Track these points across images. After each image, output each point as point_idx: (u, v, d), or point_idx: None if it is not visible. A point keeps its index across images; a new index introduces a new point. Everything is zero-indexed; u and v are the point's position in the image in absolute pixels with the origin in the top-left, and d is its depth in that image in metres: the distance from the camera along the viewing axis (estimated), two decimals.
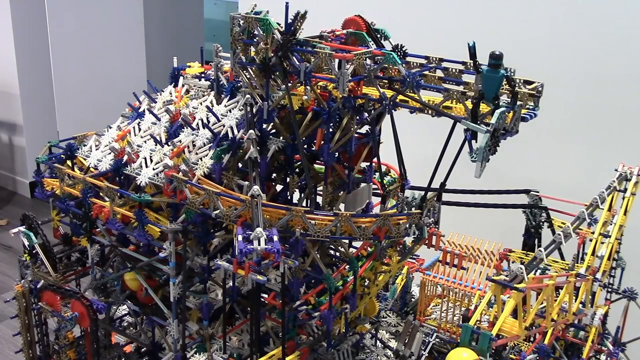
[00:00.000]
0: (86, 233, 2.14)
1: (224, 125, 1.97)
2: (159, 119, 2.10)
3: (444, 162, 1.78)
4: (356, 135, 1.95)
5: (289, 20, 1.73)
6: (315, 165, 2.09)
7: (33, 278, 2.23)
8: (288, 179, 2.01)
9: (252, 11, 1.82)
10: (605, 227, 2.08)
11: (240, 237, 1.65)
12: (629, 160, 2.31)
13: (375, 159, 2.03)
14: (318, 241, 1.87)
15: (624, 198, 2.22)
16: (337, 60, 1.67)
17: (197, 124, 2.01)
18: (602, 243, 2.04)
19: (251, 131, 1.83)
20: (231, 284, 2.04)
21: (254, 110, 1.90)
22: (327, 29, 1.94)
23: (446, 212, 2.01)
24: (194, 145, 1.96)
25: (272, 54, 1.76)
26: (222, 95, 2.08)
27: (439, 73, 1.88)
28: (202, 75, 2.26)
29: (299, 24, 1.74)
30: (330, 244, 2.11)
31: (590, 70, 3.06)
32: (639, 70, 2.96)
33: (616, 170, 2.26)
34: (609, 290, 2.32)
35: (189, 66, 2.29)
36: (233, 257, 1.73)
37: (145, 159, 2.01)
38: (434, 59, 1.89)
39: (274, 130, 1.99)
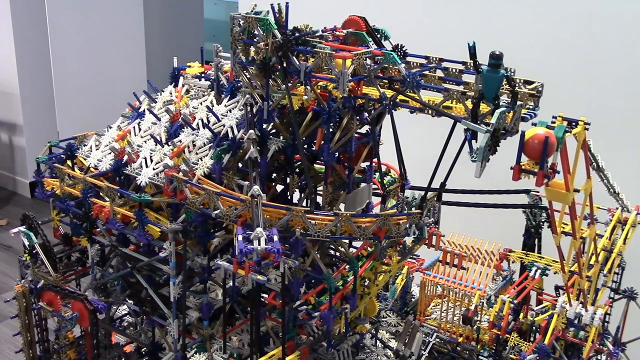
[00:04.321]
0: (86, 233, 2.14)
1: (224, 125, 1.97)
2: (159, 119, 2.10)
3: (444, 162, 1.78)
4: (356, 135, 1.95)
5: (298, 29, 1.74)
6: (315, 165, 2.09)
7: (33, 278, 2.23)
8: (288, 179, 2.01)
9: (252, 11, 1.82)
10: (608, 245, 2.14)
11: (240, 237, 1.65)
12: (628, 161, 2.32)
13: (375, 159, 2.03)
14: (318, 241, 1.87)
15: (624, 225, 2.27)
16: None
17: (197, 124, 2.01)
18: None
19: (251, 131, 1.83)
20: (231, 284, 2.04)
21: (254, 110, 1.90)
22: (328, 26, 1.94)
23: (446, 212, 2.01)
24: (194, 145, 1.96)
25: (272, 54, 1.76)
26: (222, 95, 2.08)
27: (439, 73, 1.88)
28: (202, 75, 2.26)
29: (282, 17, 1.74)
30: (330, 244, 2.11)
31: (592, 69, 3.06)
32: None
33: (618, 209, 2.30)
34: (610, 288, 2.33)
35: (189, 66, 2.29)
36: (233, 257, 1.73)
37: (145, 159, 2.01)
38: (434, 59, 1.89)
39: (274, 130, 1.99)
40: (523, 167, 1.46)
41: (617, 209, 2.30)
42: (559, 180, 1.53)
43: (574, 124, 1.66)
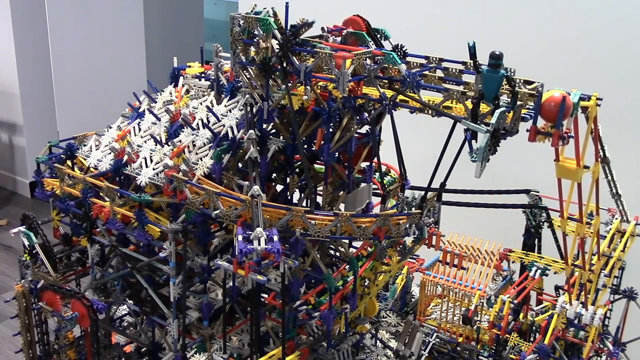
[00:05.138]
0: (86, 233, 2.14)
1: (224, 125, 1.97)
2: (159, 119, 2.10)
3: (444, 162, 1.78)
4: (356, 135, 1.95)
5: (294, 25, 1.74)
6: (315, 165, 2.09)
7: (33, 278, 2.23)
8: (288, 179, 2.01)
9: (252, 11, 1.82)
10: (608, 252, 2.15)
11: (240, 237, 1.65)
12: (626, 161, 2.32)
13: (375, 159, 2.03)
14: (318, 241, 1.87)
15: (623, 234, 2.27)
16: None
17: (197, 124, 2.01)
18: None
19: (251, 131, 1.83)
20: (231, 284, 2.04)
21: (254, 110, 1.90)
22: (328, 26, 1.94)
23: (446, 212, 2.01)
24: (194, 145, 1.96)
25: (272, 55, 1.76)
26: (222, 95, 2.08)
27: (439, 73, 1.88)
28: (202, 75, 2.26)
29: (303, 30, 1.74)
30: (330, 244, 2.11)
31: (592, 69, 3.06)
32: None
33: (617, 218, 2.30)
34: (610, 288, 2.33)
35: (189, 66, 2.29)
36: (233, 257, 1.73)
37: (145, 159, 2.01)
38: (434, 59, 1.89)
39: (274, 130, 1.99)
40: (539, 129, 1.47)
41: (617, 218, 2.29)
42: (569, 157, 1.54)
43: (586, 99, 1.66)
